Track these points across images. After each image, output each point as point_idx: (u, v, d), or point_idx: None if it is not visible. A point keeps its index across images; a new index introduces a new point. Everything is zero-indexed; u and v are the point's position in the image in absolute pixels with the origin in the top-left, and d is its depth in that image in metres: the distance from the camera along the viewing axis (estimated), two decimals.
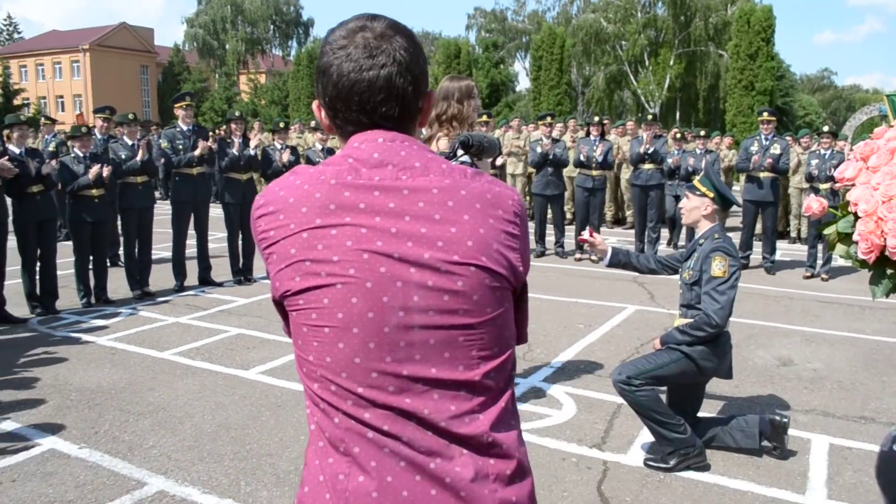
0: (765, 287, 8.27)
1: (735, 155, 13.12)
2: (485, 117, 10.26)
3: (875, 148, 2.16)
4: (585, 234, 3.85)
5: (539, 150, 9.67)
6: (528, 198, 13.90)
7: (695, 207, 3.81)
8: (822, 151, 8.97)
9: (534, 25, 42.94)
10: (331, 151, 8.70)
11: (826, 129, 9.53)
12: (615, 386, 3.70)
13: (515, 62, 47.13)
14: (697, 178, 3.89)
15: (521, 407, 4.47)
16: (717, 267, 3.61)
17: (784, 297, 7.79)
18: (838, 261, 9.97)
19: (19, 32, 64.50)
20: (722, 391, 4.76)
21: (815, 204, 2.28)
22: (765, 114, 8.99)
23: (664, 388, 3.87)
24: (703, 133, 9.99)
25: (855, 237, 2.06)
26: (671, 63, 34.08)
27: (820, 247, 9.01)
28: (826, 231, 2.32)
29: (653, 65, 35.01)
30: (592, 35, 34.44)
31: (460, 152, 2.11)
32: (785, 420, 3.79)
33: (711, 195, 3.75)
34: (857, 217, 2.09)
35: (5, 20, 65.08)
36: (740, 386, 4.92)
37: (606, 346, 5.79)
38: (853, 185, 2.18)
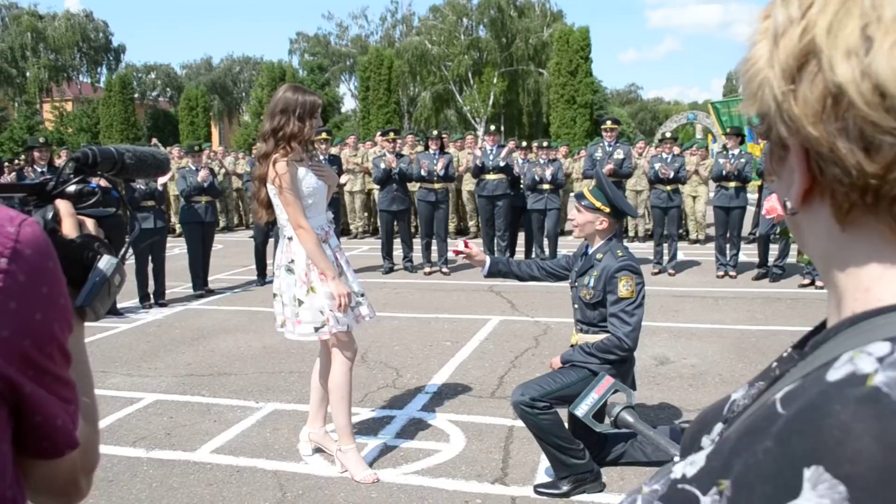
0: None
1: (572, 163, 13.38)
2: (324, 135, 9.58)
3: None
4: (460, 246, 3.42)
5: (382, 165, 9.15)
6: (366, 214, 13.40)
7: (588, 222, 3.39)
8: (665, 155, 9.25)
9: (358, 49, 42.82)
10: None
11: (668, 135, 9.86)
12: (516, 409, 3.19)
13: (340, 84, 46.68)
14: (588, 188, 3.48)
15: (403, 444, 3.83)
16: (625, 287, 3.27)
17: None
18: (681, 256, 10.30)
19: None
20: None
21: (778, 203, 1.88)
22: (608, 122, 9.12)
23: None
24: (545, 144, 9.93)
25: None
26: (495, 81, 35.10)
27: (665, 245, 9.19)
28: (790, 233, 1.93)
29: (477, 83, 35.88)
30: (418, 57, 34.73)
31: (68, 172, 1.01)
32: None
33: (606, 209, 3.35)
34: None
35: None
36: None
37: (480, 363, 5.29)
38: None
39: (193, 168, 8.28)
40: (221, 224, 14.05)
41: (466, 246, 3.42)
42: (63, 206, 0.92)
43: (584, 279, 3.40)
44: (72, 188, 0.96)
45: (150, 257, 7.64)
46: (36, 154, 7.14)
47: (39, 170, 6.93)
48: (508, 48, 34.88)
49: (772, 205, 1.84)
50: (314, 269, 3.37)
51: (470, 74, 35.60)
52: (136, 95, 45.34)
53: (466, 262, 3.57)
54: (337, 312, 3.37)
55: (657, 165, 9.06)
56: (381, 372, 5.12)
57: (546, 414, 3.14)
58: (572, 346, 3.46)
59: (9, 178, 6.75)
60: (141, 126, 39.41)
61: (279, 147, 3.29)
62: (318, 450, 3.73)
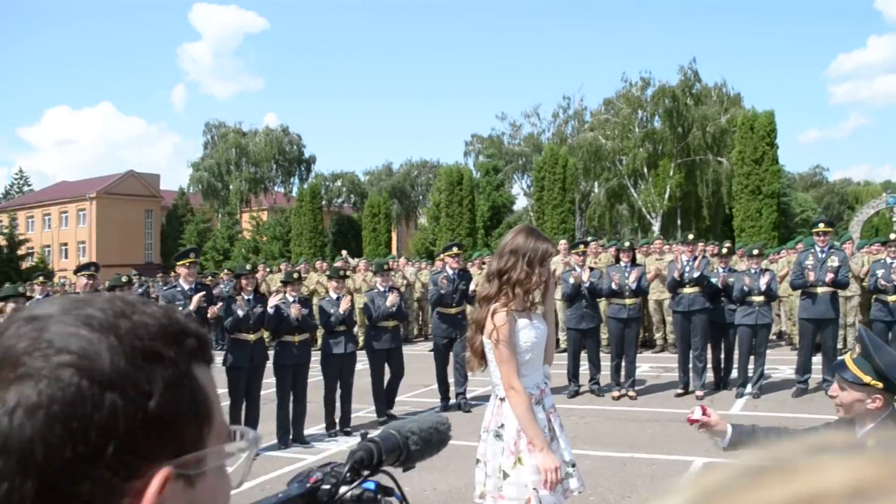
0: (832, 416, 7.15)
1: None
2: (455, 249, 9.05)
3: None
4: (697, 414, 2.90)
5: (571, 280, 8.80)
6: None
7: (855, 401, 2.77)
8: (889, 260, 8.19)
9: (530, 147, 43.60)
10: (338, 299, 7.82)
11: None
12: None
13: (514, 184, 47.53)
14: (851, 356, 2.83)
15: None
16: None
17: None
18: None
19: (29, 185, 66.06)
20: None
21: None
22: (821, 225, 8.19)
23: None
24: (755, 252, 8.85)
25: None
26: (671, 173, 34.09)
27: None
28: None
29: (652, 176, 35.02)
30: (592, 153, 34.63)
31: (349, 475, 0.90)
32: None
33: (879, 385, 2.69)
34: None
35: (17, 174, 66.86)
36: None
37: None
38: None
39: (382, 290, 8.28)
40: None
41: (704, 412, 2.96)
42: None
43: None
44: (349, 493, 0.84)
45: (338, 382, 7.70)
46: (244, 282, 7.30)
47: (247, 297, 7.19)
48: (685, 138, 33.89)
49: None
50: (524, 437, 3.05)
51: (645, 168, 34.90)
52: (323, 202, 49.02)
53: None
54: (542, 490, 3.02)
55: (879, 272, 7.99)
56: None
57: None
58: None
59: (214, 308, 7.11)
60: (327, 233, 41.98)
61: (502, 292, 3.08)
62: None
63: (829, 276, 7.72)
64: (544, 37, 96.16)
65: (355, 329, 14.55)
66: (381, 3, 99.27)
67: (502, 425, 3.12)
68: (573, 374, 8.97)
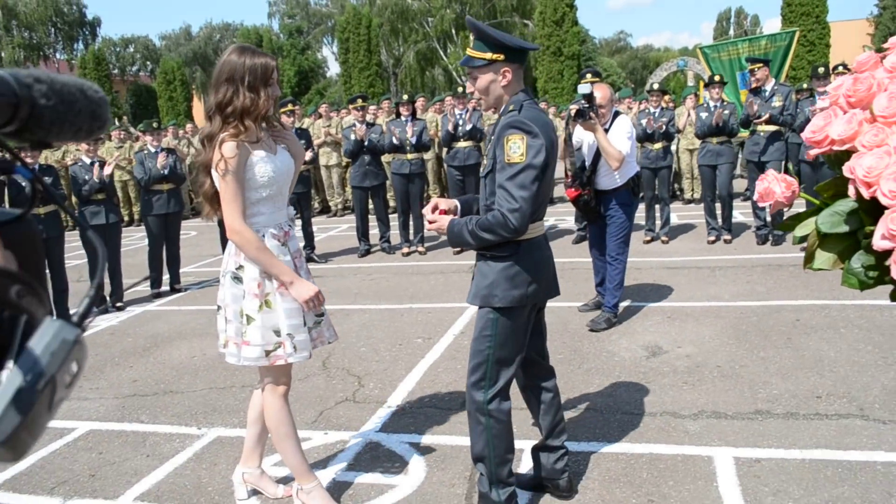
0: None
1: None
2: (290, 106, 8.87)
3: (875, 83, 1.24)
4: (431, 215, 2.77)
5: (353, 136, 8.49)
6: (345, 189, 12.71)
7: (490, 83, 2.67)
8: (652, 109, 8.63)
9: (338, 8, 41.54)
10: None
11: (655, 86, 9.17)
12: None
13: (323, 47, 45.50)
14: (471, 46, 2.72)
15: (357, 478, 3.33)
16: (512, 150, 2.53)
17: (631, 268, 7.17)
18: (674, 219, 9.72)
19: None
20: (596, 403, 3.90)
21: (777, 186, 1.33)
22: (588, 75, 8.32)
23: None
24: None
25: (881, 242, 1.13)
26: None
27: (657, 206, 8.62)
28: (797, 232, 1.37)
29: (462, 39, 34.79)
30: (399, 13, 33.58)
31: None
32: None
33: (500, 56, 2.62)
34: (866, 204, 1.18)
35: None
36: (614, 392, 4.09)
37: (451, 365, 4.77)
38: (848, 149, 1.26)
39: (153, 150, 7.57)
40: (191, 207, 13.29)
41: (441, 213, 2.77)
42: None
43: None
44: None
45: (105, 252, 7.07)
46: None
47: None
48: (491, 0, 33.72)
49: (766, 186, 1.29)
50: (269, 279, 2.78)
51: (454, 30, 34.50)
52: (115, 71, 44.24)
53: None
54: (298, 335, 2.81)
55: (643, 121, 8.45)
56: (342, 382, 4.61)
57: (492, 407, 2.73)
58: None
59: None
60: (122, 104, 38.36)
61: (228, 125, 2.69)
62: (255, 492, 3.24)
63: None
64: None
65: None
66: None
67: (240, 266, 2.80)
68: (362, 232, 8.85)
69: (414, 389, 4.39)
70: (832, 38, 25.85)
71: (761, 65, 7.56)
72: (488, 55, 2.62)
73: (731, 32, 58.12)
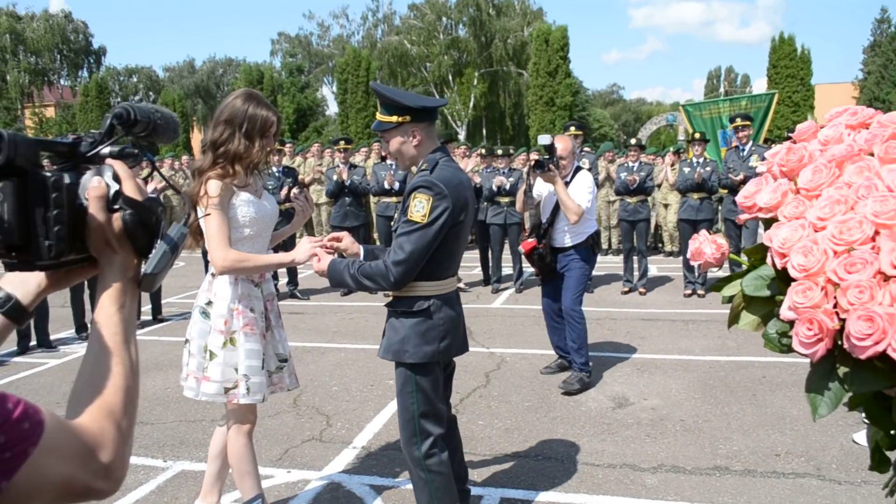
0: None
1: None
2: (277, 145, 9.00)
3: (807, 155, 1.32)
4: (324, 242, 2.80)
5: (335, 177, 8.65)
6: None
7: (401, 144, 2.70)
8: (630, 164, 8.82)
9: (339, 50, 42.28)
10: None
11: (633, 141, 9.37)
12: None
13: (323, 87, 46.11)
14: (379, 112, 2.75)
15: None
16: (416, 208, 2.59)
17: (606, 318, 7.30)
18: (653, 271, 9.87)
19: None
20: (558, 453, 3.95)
21: (708, 247, 1.42)
22: (571, 128, 8.57)
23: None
24: (499, 152, 9.43)
25: (786, 312, 1.20)
26: (475, 83, 34.64)
27: (635, 258, 8.76)
28: (725, 292, 1.46)
29: (458, 84, 35.41)
30: (398, 58, 34.21)
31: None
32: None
33: (406, 118, 2.64)
34: (780, 273, 1.26)
35: None
36: (577, 442, 4.14)
37: None
38: (772, 217, 1.34)
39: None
40: None
41: (338, 240, 2.80)
42: (119, 167, 0.91)
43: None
44: (107, 150, 0.92)
45: (86, 282, 7.14)
46: None
47: None
48: (488, 48, 34.43)
49: (697, 247, 1.33)
50: (237, 317, 2.83)
51: (451, 76, 35.13)
52: (117, 100, 44.58)
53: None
54: (254, 377, 2.85)
55: (623, 175, 8.64)
56: (311, 420, 4.64)
57: (430, 456, 2.79)
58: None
59: None
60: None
61: (217, 165, 2.75)
62: None
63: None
64: None
65: None
66: None
67: (209, 302, 2.87)
68: None
69: (381, 431, 4.42)
70: (817, 100, 26.49)
71: (749, 122, 7.82)
72: (394, 118, 2.65)
73: (722, 90, 59.31)
